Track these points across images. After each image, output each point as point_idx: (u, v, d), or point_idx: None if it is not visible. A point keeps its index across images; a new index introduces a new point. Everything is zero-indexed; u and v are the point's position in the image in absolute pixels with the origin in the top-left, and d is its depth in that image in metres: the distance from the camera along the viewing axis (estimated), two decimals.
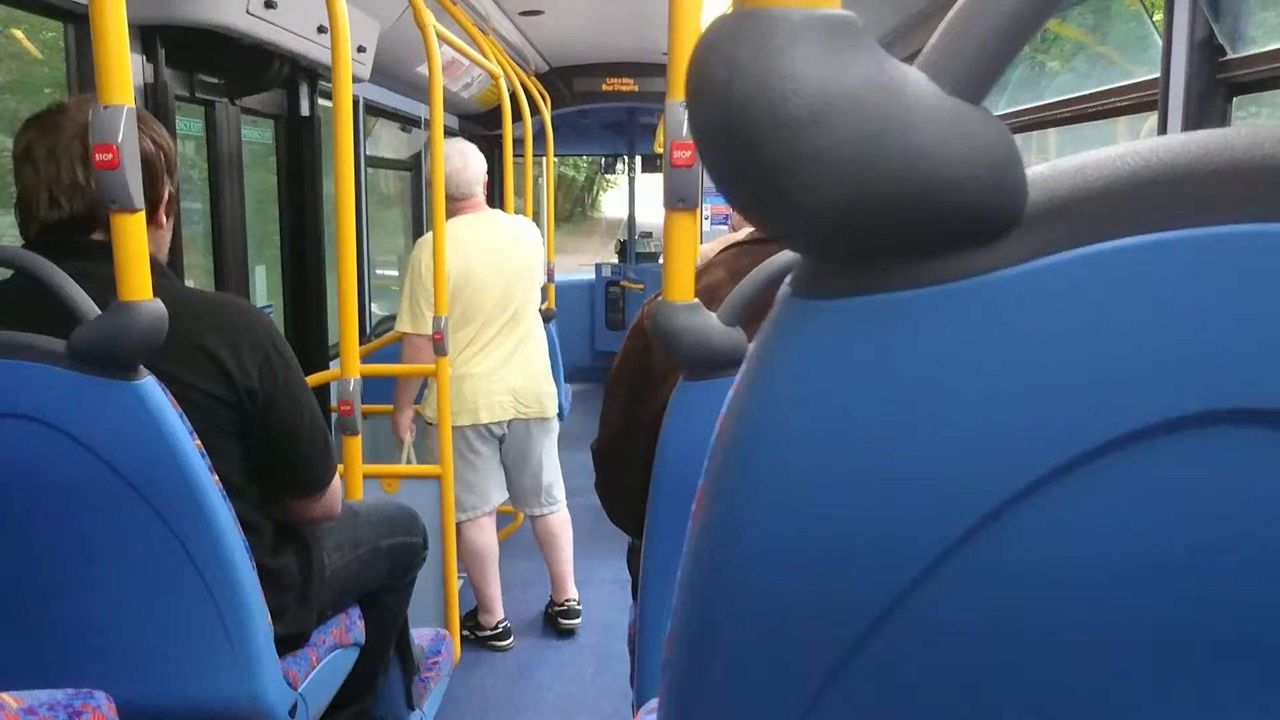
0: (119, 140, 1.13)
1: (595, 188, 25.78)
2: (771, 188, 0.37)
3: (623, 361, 1.43)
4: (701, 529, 0.46)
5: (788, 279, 0.43)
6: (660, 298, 1.14)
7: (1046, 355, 0.39)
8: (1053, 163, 0.40)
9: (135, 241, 1.17)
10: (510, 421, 2.93)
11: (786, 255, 1.07)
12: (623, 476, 1.45)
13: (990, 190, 0.38)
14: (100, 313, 1.17)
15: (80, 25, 2.01)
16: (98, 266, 1.23)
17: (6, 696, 1.07)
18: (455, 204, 2.90)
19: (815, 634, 0.44)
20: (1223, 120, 1.65)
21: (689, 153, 1.13)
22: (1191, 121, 1.65)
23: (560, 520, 3.11)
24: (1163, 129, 1.71)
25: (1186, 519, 0.40)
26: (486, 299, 2.83)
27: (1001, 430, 0.40)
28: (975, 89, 0.38)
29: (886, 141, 0.36)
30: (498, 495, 3.01)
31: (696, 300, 1.11)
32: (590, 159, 11.82)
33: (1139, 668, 0.43)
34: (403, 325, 2.81)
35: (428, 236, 2.68)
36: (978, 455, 0.40)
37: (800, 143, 0.36)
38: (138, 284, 1.17)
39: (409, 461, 3.04)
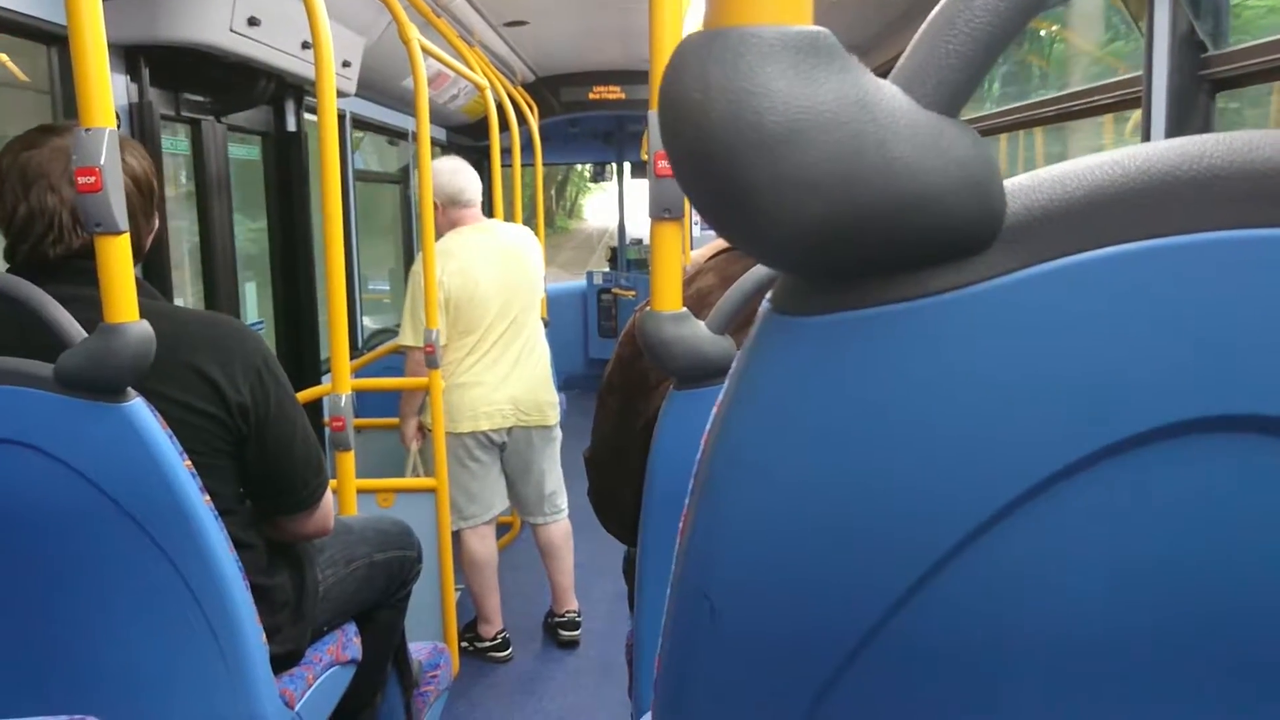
0: (101, 163, 1.12)
1: (576, 192, 23.19)
2: (748, 208, 0.37)
3: (614, 370, 1.42)
4: (684, 554, 0.45)
5: (768, 296, 0.42)
6: (648, 307, 1.14)
7: (1029, 368, 0.39)
8: (1033, 173, 0.40)
9: (120, 264, 1.16)
10: (511, 430, 2.93)
11: None
12: (615, 485, 1.44)
13: (968, 204, 0.37)
14: (87, 335, 1.17)
15: (63, 48, 2.00)
16: (88, 290, 1.22)
17: None
18: (452, 214, 2.91)
19: (795, 664, 0.44)
20: (1207, 116, 1.65)
21: None
22: (1175, 118, 1.65)
23: (562, 530, 3.10)
24: (1147, 126, 1.72)
25: (1170, 528, 0.40)
26: (488, 309, 2.84)
27: (984, 446, 0.39)
28: (951, 101, 0.37)
29: (862, 158, 0.36)
30: (499, 504, 3.00)
31: (685, 309, 1.11)
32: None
33: (1131, 682, 0.43)
34: (405, 339, 2.82)
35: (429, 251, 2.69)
36: (959, 472, 0.40)
37: (775, 162, 0.36)
38: (124, 306, 1.17)
39: (416, 471, 3.03)
